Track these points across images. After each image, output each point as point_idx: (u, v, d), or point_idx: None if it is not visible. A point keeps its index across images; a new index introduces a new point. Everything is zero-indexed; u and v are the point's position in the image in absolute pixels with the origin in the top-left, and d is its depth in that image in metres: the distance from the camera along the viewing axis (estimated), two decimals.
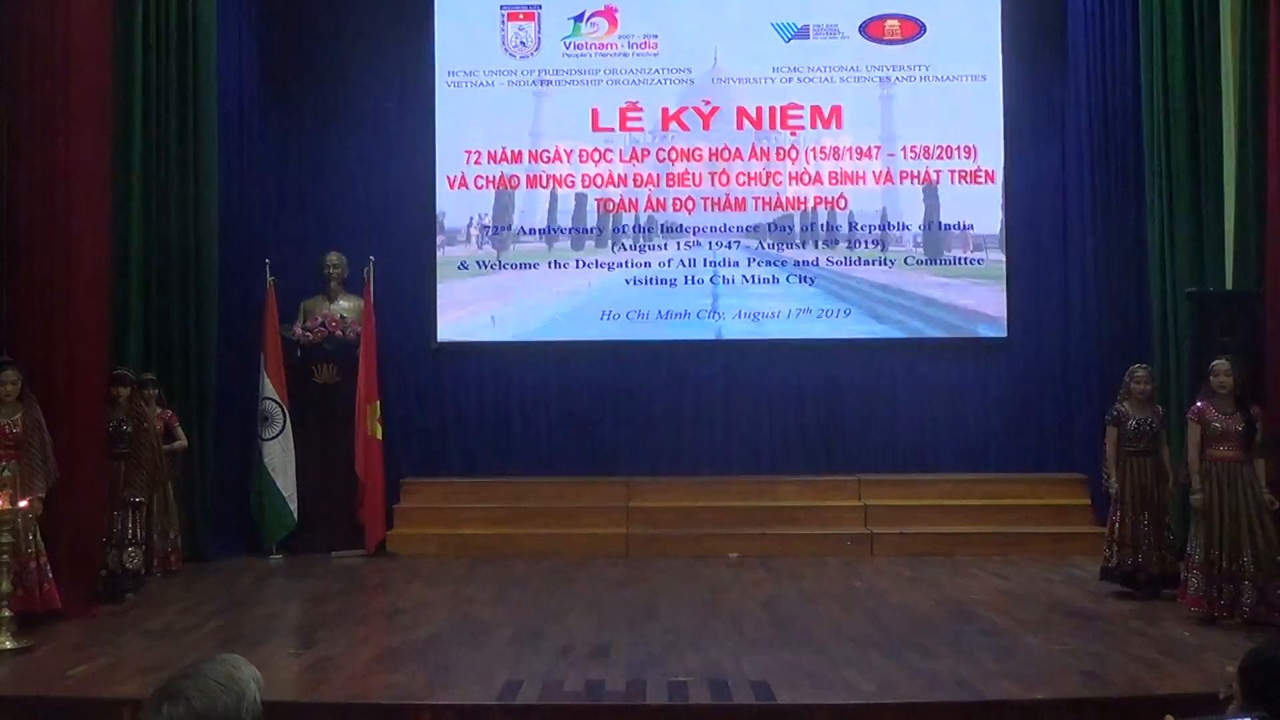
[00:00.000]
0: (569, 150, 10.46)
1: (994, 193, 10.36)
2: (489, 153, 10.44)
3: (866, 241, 10.40)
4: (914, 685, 5.41)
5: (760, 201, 10.44)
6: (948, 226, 10.38)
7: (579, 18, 10.52)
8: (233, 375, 9.55)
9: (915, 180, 10.39)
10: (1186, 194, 8.75)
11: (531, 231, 10.46)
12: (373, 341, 9.62)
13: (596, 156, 10.46)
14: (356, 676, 5.73)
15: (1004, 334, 10.32)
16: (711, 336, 10.38)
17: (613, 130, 10.48)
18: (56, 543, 6.74)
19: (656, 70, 10.50)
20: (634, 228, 10.46)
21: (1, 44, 7.02)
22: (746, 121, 10.48)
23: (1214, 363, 6.89)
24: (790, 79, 10.48)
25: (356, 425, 9.44)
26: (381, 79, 10.49)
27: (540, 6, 10.51)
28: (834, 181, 10.42)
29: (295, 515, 9.43)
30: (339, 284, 9.95)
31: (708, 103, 10.50)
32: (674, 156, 10.47)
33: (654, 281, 10.38)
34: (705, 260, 10.39)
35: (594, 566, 8.83)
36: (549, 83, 10.51)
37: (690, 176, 10.46)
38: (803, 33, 10.49)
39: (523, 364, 10.37)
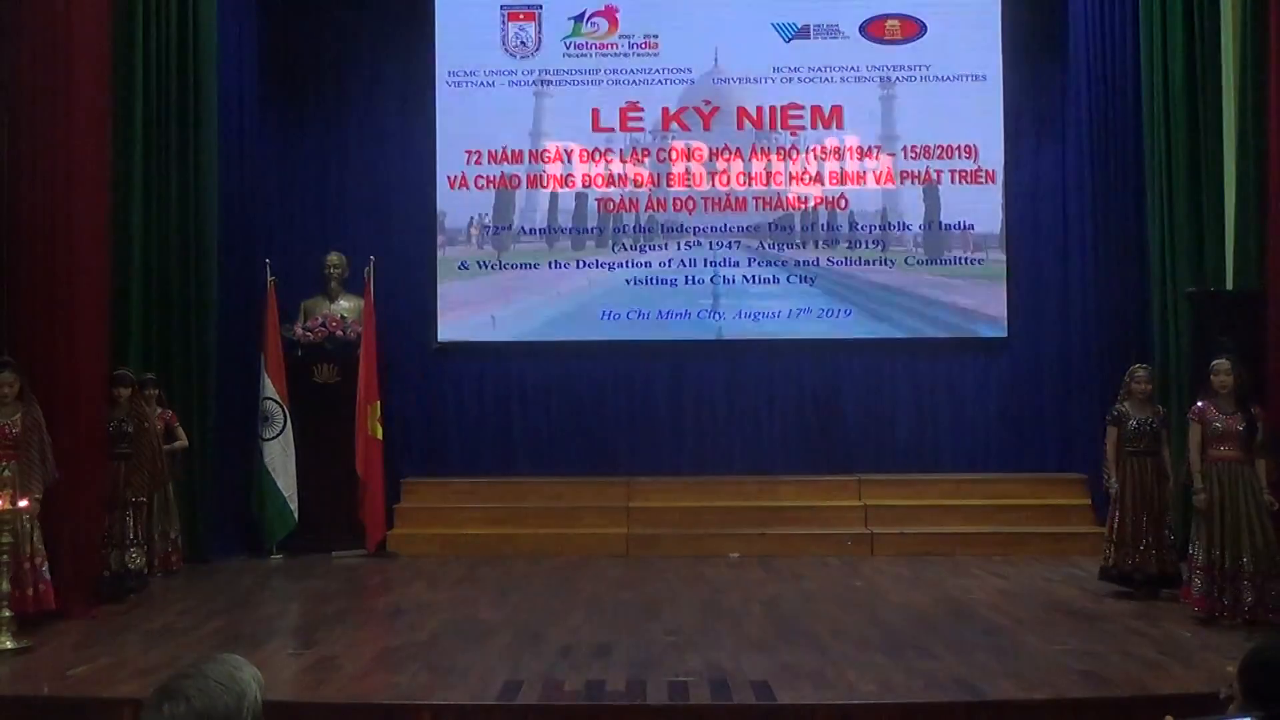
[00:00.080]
0: (569, 150, 10.47)
1: (994, 193, 10.36)
2: (489, 153, 10.44)
3: (867, 241, 10.40)
4: (914, 685, 5.41)
5: (760, 201, 10.44)
6: (948, 226, 10.38)
7: (579, 18, 10.53)
8: (233, 375, 9.55)
9: (915, 180, 10.40)
10: (1186, 194, 8.77)
11: (532, 231, 10.46)
12: (373, 341, 9.62)
13: (597, 156, 10.46)
14: (357, 676, 5.73)
15: (1004, 334, 10.33)
16: (712, 336, 10.38)
17: (613, 130, 10.48)
18: (57, 543, 6.74)
19: (657, 70, 10.50)
20: (634, 228, 10.47)
21: (2, 44, 7.02)
22: (747, 121, 10.49)
23: (1214, 362, 6.88)
24: (790, 79, 10.48)
25: (357, 425, 9.44)
26: (382, 79, 10.49)
27: (540, 6, 10.51)
28: (834, 181, 10.43)
29: (295, 515, 9.43)
30: (339, 284, 9.95)
31: (708, 103, 10.50)
32: (674, 156, 10.47)
33: (654, 281, 10.38)
34: (706, 260, 10.39)
35: (594, 566, 8.82)
36: (549, 83, 10.51)
37: (690, 176, 10.46)
38: (803, 33, 10.49)
39: (523, 364, 10.37)
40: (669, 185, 10.46)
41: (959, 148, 10.36)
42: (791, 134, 10.47)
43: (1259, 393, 6.92)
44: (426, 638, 6.51)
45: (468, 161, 10.42)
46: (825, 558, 9.12)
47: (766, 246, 10.42)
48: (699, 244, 10.41)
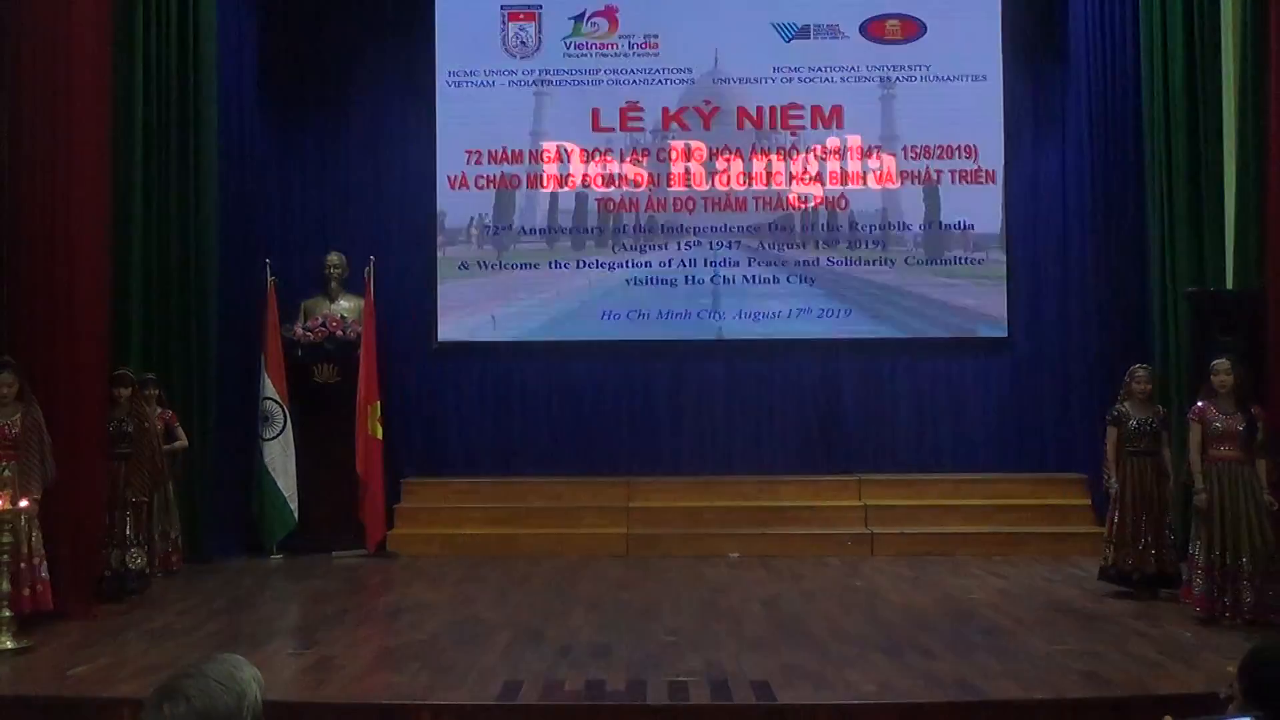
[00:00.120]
0: (569, 150, 10.46)
1: (994, 193, 10.36)
2: (489, 152, 10.44)
3: (867, 241, 10.40)
4: (914, 685, 5.41)
5: (760, 201, 10.44)
6: (948, 226, 10.38)
7: (579, 17, 10.52)
8: (233, 375, 9.55)
9: (916, 180, 10.39)
10: (1186, 194, 8.77)
11: (532, 231, 10.46)
12: (373, 341, 9.62)
13: (597, 156, 10.46)
14: (357, 676, 5.73)
15: (1004, 334, 10.33)
16: (712, 336, 10.38)
17: (613, 130, 10.48)
18: (57, 543, 6.74)
19: (657, 70, 10.50)
20: (634, 228, 10.46)
21: (2, 44, 7.02)
22: (747, 121, 10.48)
23: (1214, 362, 6.88)
24: (790, 79, 10.48)
25: (357, 425, 9.44)
26: (382, 79, 10.49)
27: (541, 6, 10.51)
28: (834, 181, 10.42)
29: (295, 515, 9.43)
30: (339, 284, 9.95)
31: (708, 103, 10.50)
32: (674, 156, 10.47)
33: (654, 281, 10.38)
34: (706, 260, 10.39)
35: (594, 566, 8.82)
36: (549, 83, 10.51)
37: (690, 176, 10.46)
38: (803, 33, 10.49)
39: (523, 364, 10.37)
40: (669, 185, 10.46)
41: (959, 148, 10.35)
42: (791, 134, 10.47)
43: (1259, 393, 6.92)
44: (426, 638, 6.51)
45: (468, 161, 10.42)
46: (825, 558, 9.12)
47: (766, 246, 10.42)
48: (699, 244, 10.41)
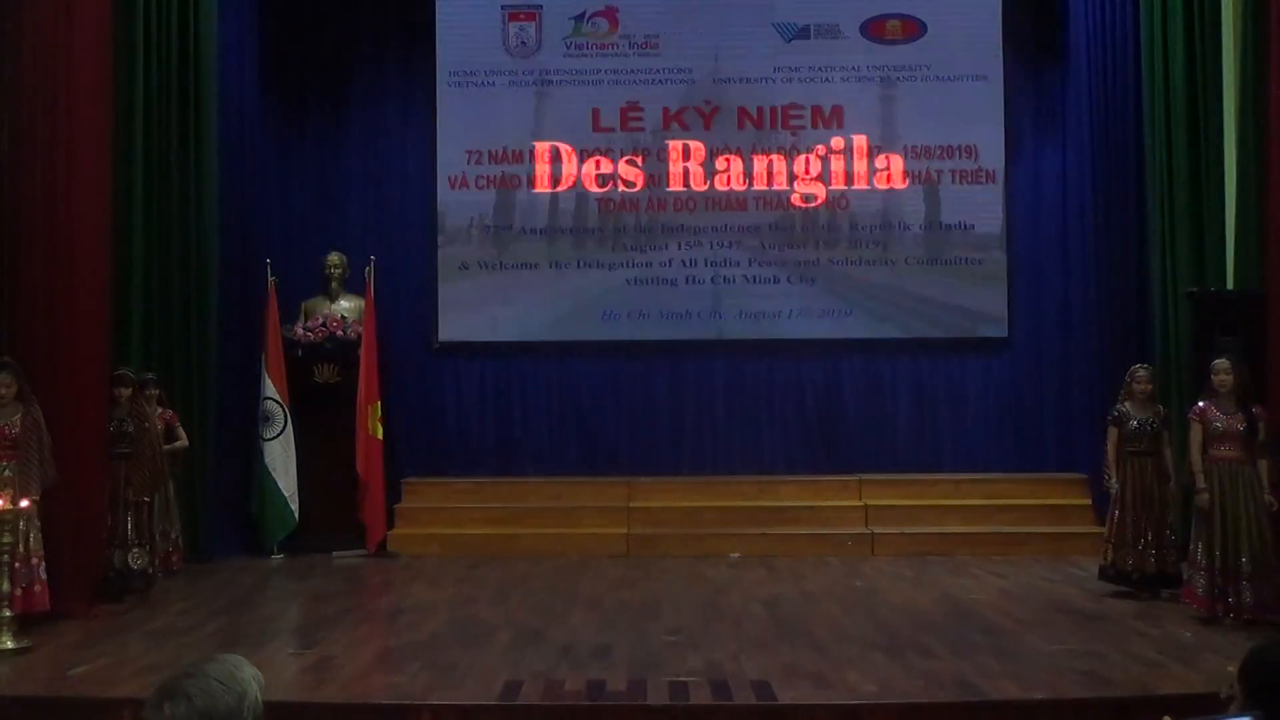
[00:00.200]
0: (570, 150, 10.46)
1: (994, 193, 10.36)
2: (490, 152, 10.44)
3: (867, 241, 10.40)
4: (914, 685, 5.41)
5: (761, 201, 10.44)
6: (948, 226, 10.38)
7: (580, 17, 10.52)
8: (233, 375, 9.55)
9: (916, 180, 10.39)
10: (1187, 194, 8.76)
11: (532, 231, 10.46)
12: (374, 341, 9.62)
13: (597, 156, 10.45)
14: (357, 677, 5.73)
15: (1004, 334, 10.33)
16: (712, 336, 10.38)
17: (613, 130, 10.48)
18: (57, 543, 6.73)
19: (657, 70, 10.50)
20: (635, 228, 10.46)
21: (2, 45, 7.02)
22: (747, 121, 10.48)
23: (1214, 362, 6.88)
24: (790, 79, 10.48)
25: (357, 425, 9.44)
26: (383, 79, 10.49)
27: (541, 6, 10.51)
28: (835, 181, 10.42)
29: (296, 515, 9.43)
30: (340, 284, 9.95)
31: (708, 102, 10.50)
32: (674, 156, 10.46)
33: (655, 281, 10.38)
34: (706, 260, 10.39)
35: (595, 566, 8.82)
36: (550, 83, 10.51)
37: (690, 176, 10.45)
38: (803, 33, 10.49)
39: (524, 364, 10.38)
40: (669, 185, 10.45)
41: (959, 148, 10.36)
42: (792, 134, 10.47)
43: (1260, 393, 6.92)
44: (426, 638, 6.51)
45: (468, 161, 10.42)
46: (826, 558, 9.11)
47: (766, 246, 10.41)
48: (699, 244, 10.40)
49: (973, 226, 10.37)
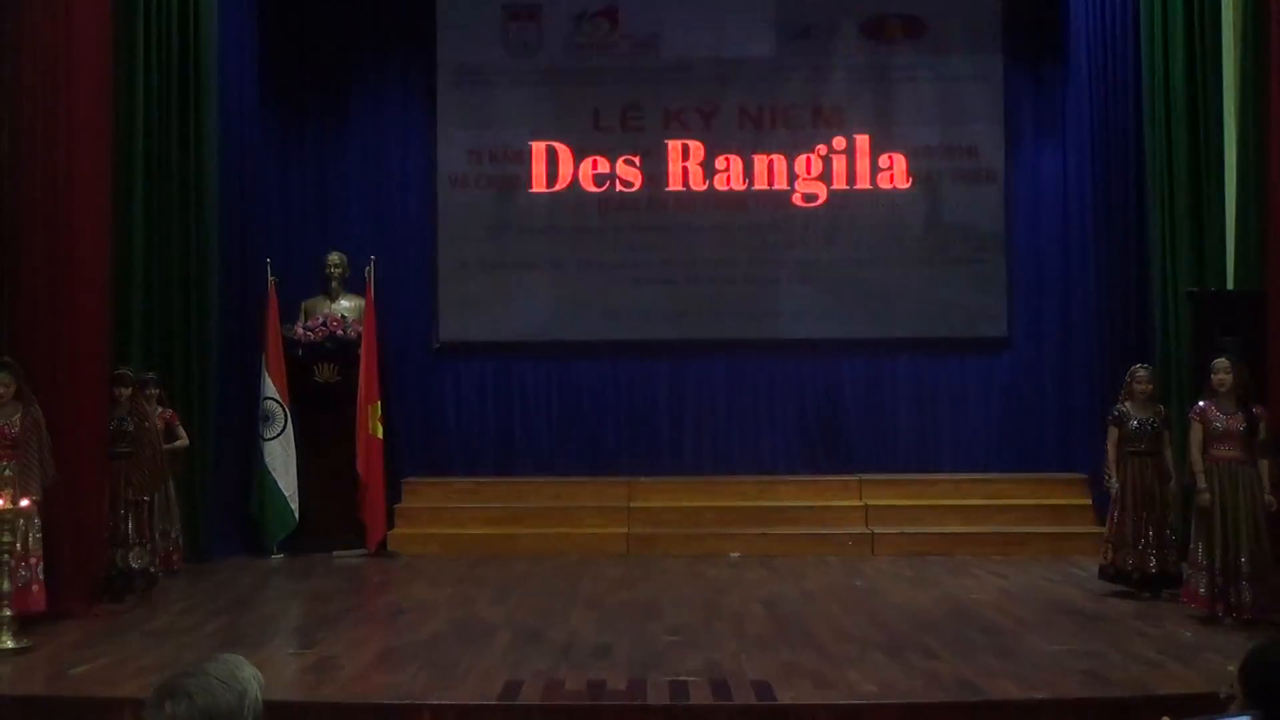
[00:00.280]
0: (570, 150, 10.45)
1: (994, 193, 10.36)
2: (490, 152, 10.44)
3: (867, 241, 10.40)
4: (915, 685, 5.41)
5: (761, 201, 10.43)
6: (948, 226, 10.38)
7: (581, 17, 10.52)
8: (233, 375, 9.54)
9: (916, 180, 10.39)
10: (1186, 194, 8.76)
11: (532, 231, 10.45)
12: (374, 341, 9.62)
13: (597, 156, 10.44)
14: (357, 676, 5.73)
15: (1004, 334, 10.33)
16: (713, 336, 10.37)
17: (614, 130, 10.47)
18: (57, 543, 6.73)
19: (657, 70, 10.49)
20: (634, 228, 10.45)
21: (2, 45, 7.02)
22: (747, 121, 10.48)
23: (1214, 361, 6.89)
24: (791, 79, 10.48)
25: (357, 425, 9.44)
26: (383, 78, 10.49)
27: (542, 6, 10.51)
28: (835, 181, 10.41)
29: (296, 515, 9.43)
30: (340, 283, 9.95)
31: (709, 102, 10.49)
32: (674, 156, 10.45)
33: (655, 281, 10.37)
34: (706, 260, 10.38)
35: (595, 566, 8.82)
36: (550, 82, 10.51)
37: (690, 176, 10.45)
38: (803, 33, 10.48)
39: (523, 364, 10.38)
40: (669, 185, 10.45)
41: (959, 148, 10.36)
42: (791, 134, 10.46)
43: (1260, 393, 6.92)
44: (426, 638, 6.51)
45: (468, 161, 10.42)
46: (826, 558, 9.12)
47: (766, 246, 10.41)
48: (699, 244, 10.39)
49: (973, 226, 10.37)
